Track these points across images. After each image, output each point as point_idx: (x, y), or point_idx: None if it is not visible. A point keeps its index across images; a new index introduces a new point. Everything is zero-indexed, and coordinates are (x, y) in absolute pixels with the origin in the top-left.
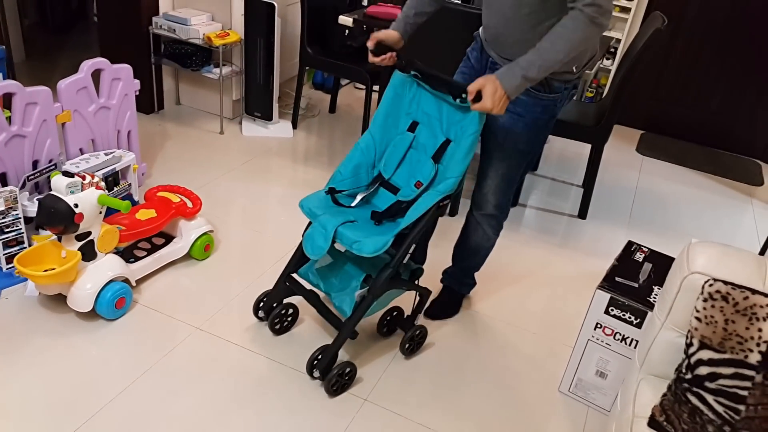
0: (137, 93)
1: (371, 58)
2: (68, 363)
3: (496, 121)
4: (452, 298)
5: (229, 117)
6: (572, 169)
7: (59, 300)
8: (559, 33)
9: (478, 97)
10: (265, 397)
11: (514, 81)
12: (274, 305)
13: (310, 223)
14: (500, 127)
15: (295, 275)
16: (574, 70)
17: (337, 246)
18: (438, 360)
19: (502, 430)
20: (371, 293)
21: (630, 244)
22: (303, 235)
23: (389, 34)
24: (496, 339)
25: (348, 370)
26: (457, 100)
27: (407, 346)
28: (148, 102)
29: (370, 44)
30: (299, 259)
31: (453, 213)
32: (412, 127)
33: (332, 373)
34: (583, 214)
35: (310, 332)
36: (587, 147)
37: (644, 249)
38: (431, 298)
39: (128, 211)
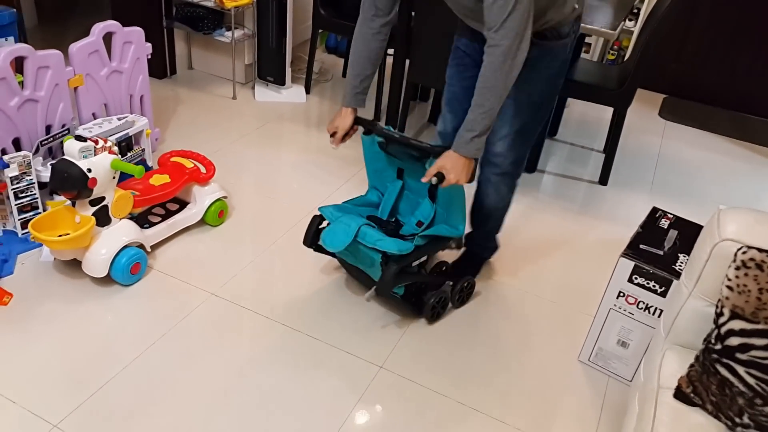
0: (149, 57)
1: (336, 144)
2: (83, 329)
3: None
4: (473, 261)
5: (242, 82)
6: (592, 134)
7: (74, 265)
8: (482, 83)
9: (441, 175)
10: (279, 363)
11: (470, 145)
12: None
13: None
14: None
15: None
16: (576, 7)
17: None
18: (454, 328)
19: (519, 399)
20: (379, 294)
21: (655, 210)
22: (322, 232)
23: (345, 125)
24: (514, 307)
25: (443, 298)
26: (426, 165)
27: (457, 297)
28: (161, 67)
29: (331, 140)
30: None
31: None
32: (401, 173)
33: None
34: (604, 180)
35: (324, 299)
36: (608, 111)
37: (669, 216)
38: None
39: (142, 176)
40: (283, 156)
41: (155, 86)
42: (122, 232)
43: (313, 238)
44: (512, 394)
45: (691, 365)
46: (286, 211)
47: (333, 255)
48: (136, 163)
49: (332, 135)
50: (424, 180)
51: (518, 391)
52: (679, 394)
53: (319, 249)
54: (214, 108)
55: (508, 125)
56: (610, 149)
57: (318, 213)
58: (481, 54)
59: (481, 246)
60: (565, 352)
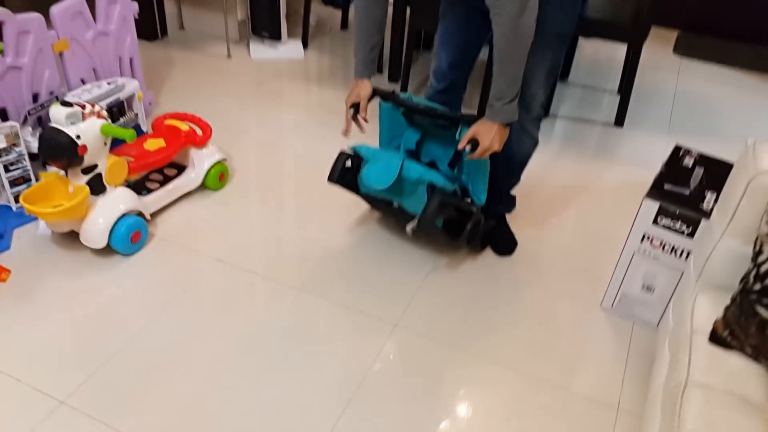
0: (137, 17)
1: (363, 115)
2: (86, 302)
3: None
4: (503, 225)
5: (236, 39)
6: (605, 75)
7: (73, 237)
8: (499, 54)
9: (475, 142)
10: (291, 327)
11: (503, 112)
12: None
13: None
14: None
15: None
16: None
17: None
18: (471, 281)
19: (542, 350)
20: (422, 224)
21: (678, 148)
22: (363, 171)
23: (366, 93)
24: (532, 257)
25: (478, 221)
26: (457, 135)
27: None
28: (151, 28)
29: (350, 111)
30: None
31: None
32: (421, 140)
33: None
34: (620, 121)
35: (334, 260)
36: (620, 51)
37: (693, 153)
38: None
39: (133, 141)
40: (284, 115)
41: (147, 49)
42: (119, 200)
43: (339, 174)
44: (534, 345)
45: (727, 307)
46: (290, 172)
47: (357, 191)
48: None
49: (352, 106)
50: (459, 147)
51: (540, 343)
52: (715, 338)
53: (345, 185)
54: (208, 68)
55: (536, 66)
56: (626, 89)
57: (343, 150)
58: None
59: (504, 203)
60: (587, 300)
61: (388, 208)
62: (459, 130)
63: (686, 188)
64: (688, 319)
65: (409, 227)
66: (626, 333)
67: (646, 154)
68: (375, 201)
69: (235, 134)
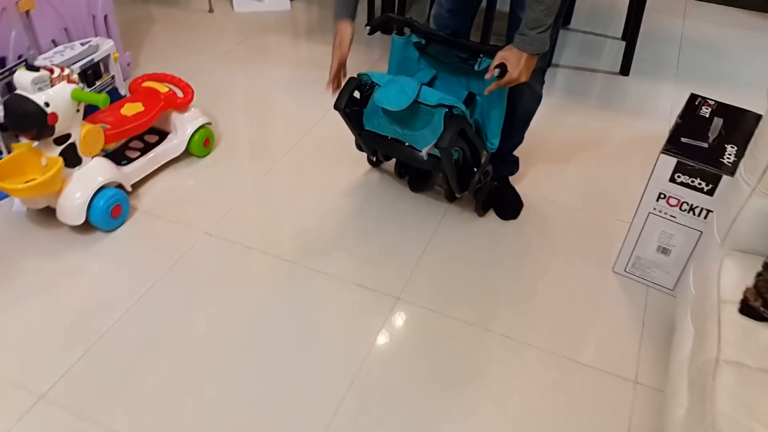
0: None
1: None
2: (67, 283)
3: None
4: (508, 187)
5: None
6: (607, 20)
7: (50, 214)
8: None
9: (503, 69)
10: (287, 304)
11: (535, 41)
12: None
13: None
14: None
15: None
16: None
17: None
18: (475, 248)
19: (552, 320)
20: (440, 146)
21: (694, 97)
22: (376, 93)
23: (346, 39)
24: (539, 220)
25: (487, 171)
26: (476, 66)
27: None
28: None
29: (335, 76)
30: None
31: None
32: (431, 82)
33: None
34: (625, 69)
35: (330, 229)
36: None
37: (710, 102)
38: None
39: (107, 106)
40: (272, 72)
41: (125, 6)
42: (97, 171)
43: (347, 102)
44: (544, 315)
45: (759, 274)
46: (281, 134)
47: (359, 132)
48: (108, 93)
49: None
50: (487, 76)
51: (550, 311)
52: (746, 309)
53: (349, 119)
54: (190, 24)
55: None
56: (631, 35)
57: (353, 76)
58: None
59: (506, 164)
60: (599, 264)
61: (393, 149)
62: (479, 61)
63: (705, 141)
64: (713, 288)
65: (425, 150)
66: (641, 298)
67: (654, 105)
68: (379, 140)
69: (220, 95)
